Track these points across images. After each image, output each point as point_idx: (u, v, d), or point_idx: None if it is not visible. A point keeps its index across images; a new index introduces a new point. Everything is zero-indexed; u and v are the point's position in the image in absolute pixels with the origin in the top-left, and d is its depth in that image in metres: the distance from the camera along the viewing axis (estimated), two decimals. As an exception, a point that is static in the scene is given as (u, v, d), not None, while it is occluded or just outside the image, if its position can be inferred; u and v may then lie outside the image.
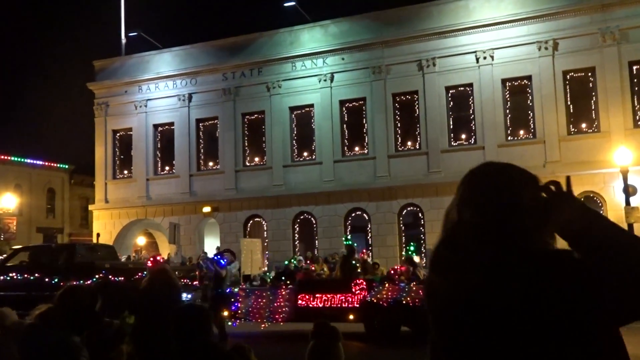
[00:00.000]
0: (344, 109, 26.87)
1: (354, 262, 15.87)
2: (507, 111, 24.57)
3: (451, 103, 25.39)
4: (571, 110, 23.77)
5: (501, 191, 1.67)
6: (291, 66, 27.51)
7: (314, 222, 26.92)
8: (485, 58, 24.39)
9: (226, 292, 14.74)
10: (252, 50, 28.22)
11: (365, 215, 26.14)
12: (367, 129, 26.39)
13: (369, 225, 26.01)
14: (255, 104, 28.09)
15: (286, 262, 19.55)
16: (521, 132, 24.43)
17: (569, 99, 23.74)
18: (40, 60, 73.59)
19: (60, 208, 45.27)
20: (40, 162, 43.35)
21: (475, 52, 24.52)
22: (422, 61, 25.27)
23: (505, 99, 24.56)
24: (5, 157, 40.67)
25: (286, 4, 28.36)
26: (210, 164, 29.25)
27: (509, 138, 24.30)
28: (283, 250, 25.68)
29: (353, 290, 14.02)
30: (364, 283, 14.16)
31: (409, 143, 26.11)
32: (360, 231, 26.56)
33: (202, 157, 29.38)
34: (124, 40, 31.29)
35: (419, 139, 25.68)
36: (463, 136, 25.16)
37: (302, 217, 27.21)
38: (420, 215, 25.38)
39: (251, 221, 28.10)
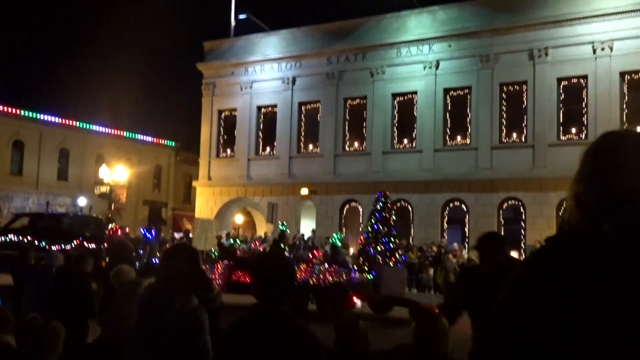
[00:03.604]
0: (447, 97, 26.32)
1: (282, 245, 17.76)
2: (624, 106, 23.17)
3: (562, 95, 24.27)
4: (697, 108, 22.12)
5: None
6: (396, 52, 27.24)
7: (410, 210, 26.65)
8: (603, 49, 23.09)
9: (153, 261, 16.00)
10: (357, 35, 28.17)
11: (463, 206, 25.59)
12: (470, 119, 25.74)
13: (467, 217, 25.43)
14: (358, 89, 28.07)
15: (232, 242, 21.22)
16: (638, 129, 22.96)
17: (694, 95, 22.10)
18: (153, 40, 76.99)
19: (165, 183, 47.35)
20: (150, 139, 45.47)
21: (592, 42, 23.27)
22: (533, 51, 24.28)
23: (623, 93, 23.17)
24: (119, 133, 43.00)
25: (395, -11, 28.03)
26: (310, 147, 29.58)
27: (624, 134, 22.91)
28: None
29: None
30: None
31: (514, 135, 25.23)
32: (457, 223, 26.05)
33: (303, 140, 29.75)
34: (233, 22, 32.11)
35: (525, 131, 24.76)
36: (573, 130, 24.01)
37: (398, 204, 26.98)
38: (521, 210, 24.53)
39: (347, 206, 28.21)
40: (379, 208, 18.00)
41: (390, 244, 17.41)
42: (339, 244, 19.21)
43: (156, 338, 3.31)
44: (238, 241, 22.48)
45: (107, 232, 19.36)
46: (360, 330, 4.17)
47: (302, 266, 16.06)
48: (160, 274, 3.59)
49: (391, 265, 16.97)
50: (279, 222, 22.55)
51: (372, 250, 17.22)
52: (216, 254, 18.76)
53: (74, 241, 18.92)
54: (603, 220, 1.46)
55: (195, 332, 3.29)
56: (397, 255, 17.79)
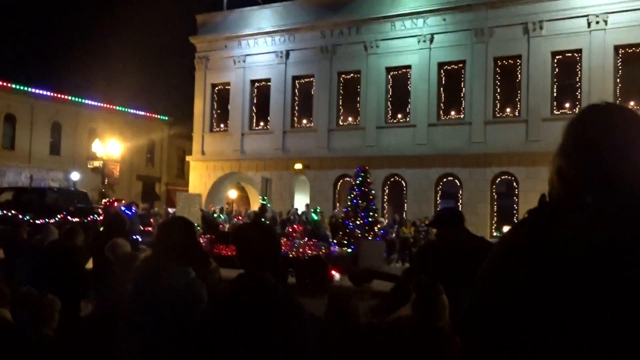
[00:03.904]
0: (442, 71, 26.22)
1: (264, 219, 18.06)
2: (618, 80, 23.17)
3: (556, 69, 24.23)
4: (690, 82, 22.13)
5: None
6: (390, 26, 27.04)
7: (404, 185, 26.72)
8: (597, 22, 23.00)
9: (134, 238, 16.43)
10: (351, 8, 27.91)
11: (457, 181, 25.67)
12: (464, 93, 25.69)
13: (460, 192, 25.54)
14: (352, 64, 27.92)
15: (215, 216, 21.37)
16: (631, 103, 23.00)
17: (688, 69, 22.09)
18: (146, 13, 76.18)
19: (159, 158, 47.27)
20: (142, 113, 45.24)
21: (587, 15, 23.15)
22: (528, 24, 24.16)
23: (617, 67, 23.14)
24: (112, 107, 42.74)
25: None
26: (304, 121, 29.50)
27: (618, 109, 22.94)
28: (371, 211, 25.66)
29: None
30: None
31: (508, 110, 25.24)
32: (450, 197, 26.14)
33: (297, 115, 29.66)
34: (226, -5, 31.73)
35: (519, 105, 24.77)
36: (567, 105, 24.02)
37: (392, 179, 27.06)
38: (514, 185, 24.64)
39: (341, 180, 28.24)
40: (358, 183, 18.28)
41: (369, 218, 17.72)
42: (315, 218, 19.65)
43: (154, 311, 3.24)
44: (222, 215, 22.64)
45: (104, 204, 19.50)
46: (353, 303, 4.23)
47: (283, 240, 16.34)
48: (156, 246, 3.52)
49: (370, 239, 17.20)
50: (260, 196, 22.78)
51: (351, 225, 17.47)
52: (199, 228, 18.94)
53: (58, 215, 19.00)
54: (586, 192, 1.47)
55: (194, 304, 3.23)
56: (375, 229, 18.04)
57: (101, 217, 19.17)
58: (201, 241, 16.54)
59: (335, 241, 17.37)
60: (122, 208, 18.98)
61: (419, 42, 26.29)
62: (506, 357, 1.43)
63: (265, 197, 21.30)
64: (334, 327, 3.96)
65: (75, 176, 35.71)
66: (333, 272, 15.23)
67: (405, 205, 26.46)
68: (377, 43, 27.15)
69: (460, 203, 25.51)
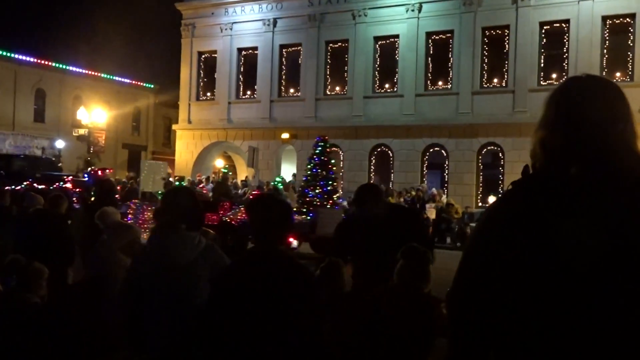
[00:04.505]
0: (430, 41, 26.09)
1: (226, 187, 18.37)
2: (605, 51, 23.20)
3: (544, 40, 24.20)
4: (676, 54, 22.20)
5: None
6: (379, -6, 26.80)
7: (391, 155, 26.77)
8: (586, -8, 22.95)
9: None
10: (339, -25, 27.57)
11: (443, 151, 25.76)
12: (452, 64, 25.62)
13: (447, 162, 25.65)
14: (340, 32, 27.69)
15: (178, 183, 21.39)
16: (617, 74, 23.10)
17: (675, 41, 22.14)
18: (130, -20, 74.74)
19: (145, 126, 46.85)
20: (128, 81, 44.67)
21: (576, -14, 23.08)
22: (517, -6, 24.05)
23: (604, 38, 23.15)
24: (97, 74, 42.14)
25: None
26: (292, 90, 29.33)
27: (604, 80, 23.01)
28: (358, 182, 25.60)
29: (219, 211, 16.19)
30: (229, 205, 16.48)
31: (495, 80, 25.24)
32: (436, 168, 26.27)
33: (284, 84, 29.47)
34: (213, -39, 31.18)
35: (506, 76, 24.77)
36: (554, 76, 24.06)
37: (379, 149, 27.10)
38: (500, 155, 24.78)
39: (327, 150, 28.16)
40: (318, 152, 18.40)
41: (328, 187, 17.88)
42: (281, 186, 19.76)
43: (175, 280, 3.21)
44: (183, 184, 22.62)
45: (92, 171, 19.48)
46: (343, 273, 4.31)
47: (244, 208, 16.46)
48: (167, 215, 3.49)
49: (328, 207, 17.41)
50: (224, 165, 22.78)
51: (310, 193, 17.66)
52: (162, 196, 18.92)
53: (25, 182, 18.95)
54: (570, 164, 1.49)
55: (220, 264, 3.25)
56: (334, 197, 18.20)
57: (67, 185, 19.19)
58: None
59: (295, 209, 17.54)
60: (85, 175, 18.90)
61: (407, 11, 26.10)
62: (494, 324, 1.46)
63: (227, 167, 21.32)
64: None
65: (60, 144, 35.36)
66: (290, 239, 15.37)
67: (392, 175, 26.55)
68: (365, 12, 26.92)
69: (446, 173, 25.66)
